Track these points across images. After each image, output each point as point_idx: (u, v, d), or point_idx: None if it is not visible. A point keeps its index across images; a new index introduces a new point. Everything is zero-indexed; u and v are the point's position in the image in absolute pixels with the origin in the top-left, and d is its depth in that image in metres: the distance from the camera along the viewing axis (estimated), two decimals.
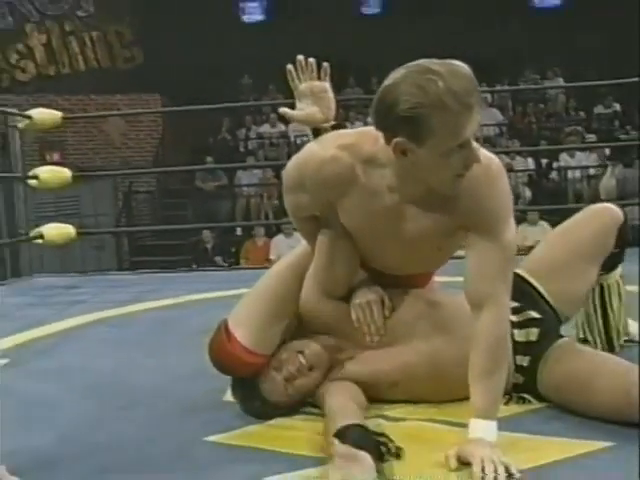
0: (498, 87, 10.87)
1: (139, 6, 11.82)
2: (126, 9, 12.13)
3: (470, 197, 1.68)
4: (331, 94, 2.03)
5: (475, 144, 1.59)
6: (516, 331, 1.91)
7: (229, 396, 2.04)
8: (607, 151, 8.99)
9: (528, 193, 9.54)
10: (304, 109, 2.00)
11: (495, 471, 1.49)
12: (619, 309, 2.25)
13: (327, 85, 2.03)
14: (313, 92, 2.01)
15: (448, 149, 1.56)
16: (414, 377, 1.89)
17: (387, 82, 1.57)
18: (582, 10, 12.20)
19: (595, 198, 6.25)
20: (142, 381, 2.36)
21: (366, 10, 13.93)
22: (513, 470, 1.50)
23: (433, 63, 1.54)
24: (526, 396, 1.91)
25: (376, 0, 13.89)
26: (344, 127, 2.04)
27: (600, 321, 2.25)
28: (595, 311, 2.25)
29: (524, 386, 1.91)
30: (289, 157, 8.07)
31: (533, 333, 1.93)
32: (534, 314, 1.96)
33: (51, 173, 4.65)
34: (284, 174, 1.90)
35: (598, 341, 2.26)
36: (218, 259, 9.68)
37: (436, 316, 1.93)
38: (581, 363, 1.83)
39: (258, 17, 13.74)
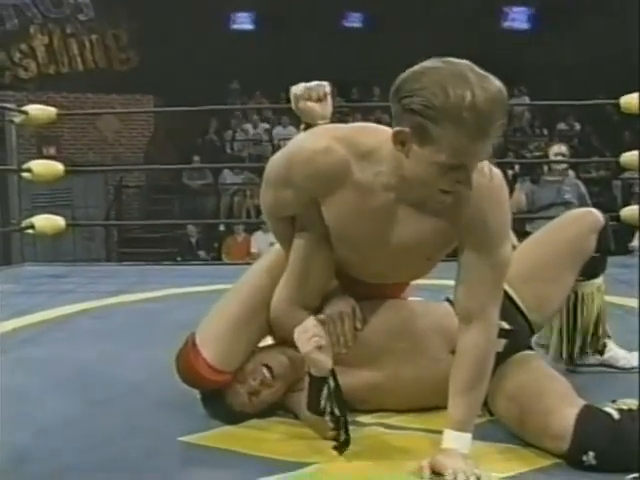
0: None
1: (137, 12, 11.71)
2: (124, 15, 12.04)
3: (473, 209, 1.49)
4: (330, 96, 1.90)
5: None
6: None
7: None
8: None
9: None
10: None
11: None
12: (588, 321, 2.04)
13: (327, 87, 1.88)
14: (311, 96, 1.85)
15: (443, 164, 1.37)
16: (382, 393, 1.77)
17: (419, 66, 1.37)
18: (550, 28, 12.22)
19: None
20: (122, 375, 2.24)
21: (348, 24, 13.85)
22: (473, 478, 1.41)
23: (472, 70, 1.33)
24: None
25: (358, 15, 13.81)
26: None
27: (565, 330, 2.04)
28: (564, 319, 2.04)
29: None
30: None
31: (500, 343, 1.72)
32: (504, 325, 1.78)
33: (44, 166, 4.55)
34: (268, 167, 1.63)
35: (552, 350, 2.06)
36: (202, 253, 9.58)
37: (406, 332, 1.78)
38: (521, 384, 1.67)
39: (247, 26, 13.66)
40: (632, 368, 2.16)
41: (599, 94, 6.98)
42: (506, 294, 1.78)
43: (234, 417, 1.77)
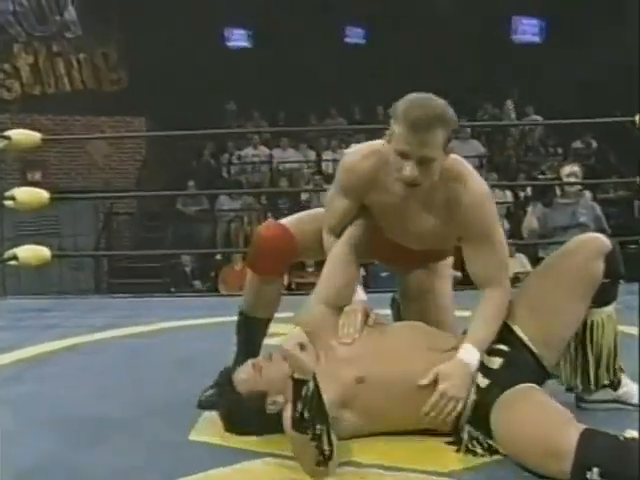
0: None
1: (126, 29, 11.80)
2: (114, 32, 12.10)
3: (463, 211, 2.01)
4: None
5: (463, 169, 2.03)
6: (485, 356, 1.98)
7: (196, 435, 1.98)
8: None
9: (506, 225, 9.54)
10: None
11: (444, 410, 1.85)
12: (600, 351, 2.08)
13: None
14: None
15: (395, 151, 1.92)
16: (366, 391, 1.92)
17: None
18: (561, 44, 12.33)
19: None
20: (107, 414, 2.27)
21: (349, 40, 14.00)
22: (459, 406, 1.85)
23: (423, 94, 1.96)
24: (478, 449, 1.87)
25: (359, 31, 13.97)
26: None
27: (575, 360, 2.09)
28: (574, 348, 2.08)
29: (478, 410, 1.90)
30: (271, 182, 8.08)
31: (496, 362, 1.97)
32: (502, 347, 1.99)
33: (28, 194, 4.57)
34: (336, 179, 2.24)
35: (564, 381, 2.12)
36: (197, 283, 9.59)
37: (404, 344, 2.03)
38: (522, 413, 1.80)
39: (243, 44, 13.77)
40: None
41: (616, 110, 7.00)
42: (509, 328, 2.00)
43: (241, 407, 1.94)
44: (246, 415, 1.96)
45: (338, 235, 2.22)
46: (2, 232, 4.79)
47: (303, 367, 1.73)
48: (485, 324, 2.00)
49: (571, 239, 2.07)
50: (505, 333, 2.01)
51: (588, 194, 8.58)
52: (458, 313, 2.35)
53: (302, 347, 1.76)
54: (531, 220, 5.76)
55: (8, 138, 4.59)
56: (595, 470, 1.58)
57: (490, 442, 1.85)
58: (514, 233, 9.24)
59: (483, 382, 1.93)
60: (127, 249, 10.89)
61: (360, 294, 2.18)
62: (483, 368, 1.96)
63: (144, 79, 11.39)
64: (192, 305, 4.98)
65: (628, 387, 2.18)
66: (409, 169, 1.91)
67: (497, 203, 8.85)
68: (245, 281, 2.40)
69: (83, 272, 10.62)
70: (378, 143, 2.10)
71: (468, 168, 2.07)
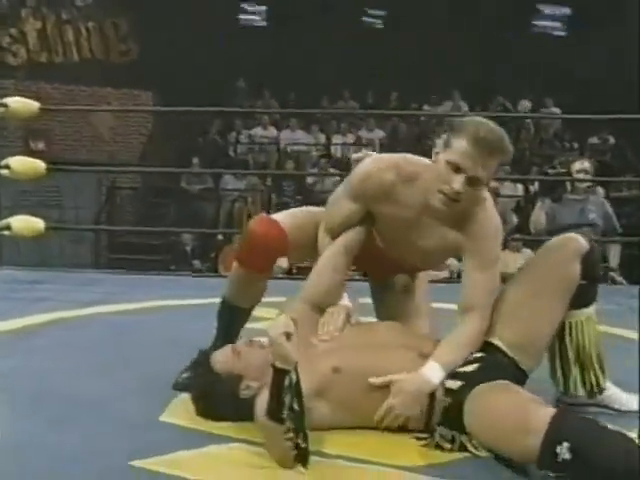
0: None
1: (139, 1, 11.74)
2: (125, 2, 12.00)
3: (472, 231, 2.07)
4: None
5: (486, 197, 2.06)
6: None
7: (167, 416, 1.99)
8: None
9: (514, 219, 9.49)
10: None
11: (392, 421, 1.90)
12: (579, 353, 2.10)
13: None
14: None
15: (449, 163, 1.96)
16: (340, 382, 1.95)
17: None
18: (582, 39, 12.26)
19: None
20: (82, 392, 2.29)
21: (367, 21, 13.95)
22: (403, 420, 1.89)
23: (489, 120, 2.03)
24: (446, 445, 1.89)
25: (377, 13, 13.90)
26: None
27: (556, 362, 2.12)
28: (553, 351, 2.12)
29: (450, 412, 1.92)
30: (278, 163, 8.07)
31: (470, 367, 1.98)
32: (477, 354, 2.02)
33: (23, 163, 4.57)
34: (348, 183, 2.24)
35: (561, 383, 2.13)
36: (196, 262, 9.59)
37: (379, 341, 2.07)
38: (496, 400, 1.83)
39: (259, 22, 13.72)
40: (629, 411, 2.15)
41: (635, 106, 6.93)
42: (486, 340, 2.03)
43: (216, 385, 1.97)
44: (219, 398, 1.98)
45: (335, 237, 2.23)
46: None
47: (287, 356, 1.74)
48: (457, 348, 2.03)
49: (549, 241, 2.12)
50: (482, 343, 2.05)
51: (601, 191, 8.53)
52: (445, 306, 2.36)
53: (288, 336, 1.77)
54: (539, 215, 5.72)
55: (5, 105, 4.57)
56: (565, 445, 1.56)
57: (461, 438, 1.87)
58: (522, 227, 9.21)
59: (455, 384, 1.95)
60: (129, 224, 10.83)
61: (345, 300, 2.21)
62: (455, 373, 1.98)
63: (154, 52, 11.33)
64: (189, 284, 4.99)
65: (611, 391, 2.19)
66: (459, 183, 1.96)
67: (507, 196, 8.88)
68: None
69: (83, 245, 10.61)
70: (399, 156, 2.18)
71: (487, 194, 2.12)
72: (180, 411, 2.10)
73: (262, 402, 1.77)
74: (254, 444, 1.85)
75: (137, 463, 1.73)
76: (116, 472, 1.70)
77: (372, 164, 2.19)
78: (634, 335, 2.95)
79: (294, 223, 2.33)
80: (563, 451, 1.55)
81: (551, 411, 1.67)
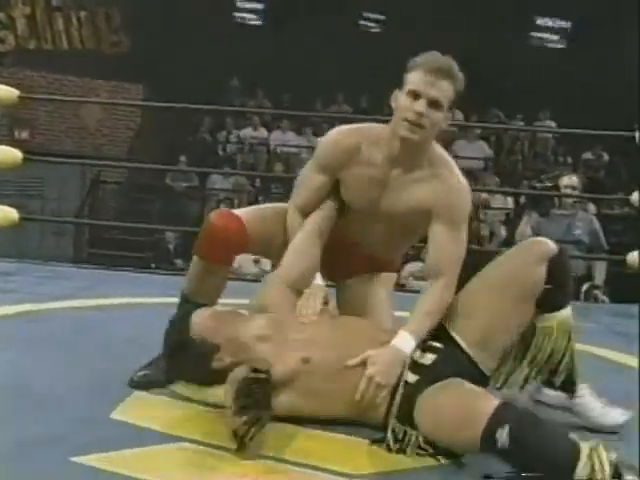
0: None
1: None
2: None
3: (445, 195, 2.17)
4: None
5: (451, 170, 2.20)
6: (417, 352, 2.06)
7: (118, 413, 1.99)
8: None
9: (503, 232, 9.51)
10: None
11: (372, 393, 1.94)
12: (536, 354, 2.10)
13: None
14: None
15: (407, 92, 2.12)
16: (308, 373, 2.00)
17: None
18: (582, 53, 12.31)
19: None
20: (35, 385, 2.27)
21: (365, 25, 13.97)
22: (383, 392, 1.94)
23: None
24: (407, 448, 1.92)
25: (376, 17, 13.93)
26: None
27: (510, 359, 2.12)
28: (511, 350, 2.11)
29: (404, 405, 1.96)
30: (267, 165, 8.10)
31: (428, 358, 2.03)
32: (436, 344, 2.06)
33: (1, 152, 4.53)
34: (314, 157, 2.34)
35: (501, 379, 2.12)
36: (179, 261, 9.56)
37: (346, 333, 2.11)
38: (445, 397, 1.89)
39: (254, 21, 13.74)
40: (602, 426, 2.15)
41: (634, 122, 6.92)
42: (445, 330, 2.08)
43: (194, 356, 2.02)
44: (191, 358, 2.03)
45: (306, 214, 2.31)
46: None
47: (260, 362, 1.84)
48: (425, 315, 2.11)
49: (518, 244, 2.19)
50: (441, 332, 2.09)
51: (592, 207, 8.55)
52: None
53: (262, 338, 1.86)
54: (524, 229, 5.73)
55: None
56: (506, 428, 1.65)
57: (413, 434, 1.91)
58: (511, 241, 9.21)
59: (412, 378, 1.99)
60: (111, 219, 10.82)
61: (318, 279, 2.26)
62: (414, 365, 2.03)
63: (146, 45, 11.35)
64: (167, 283, 4.94)
65: (585, 399, 2.19)
66: (420, 106, 2.10)
67: (497, 209, 8.92)
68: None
69: (63, 238, 10.57)
70: (361, 124, 2.33)
71: (454, 162, 2.26)
72: (133, 409, 2.09)
73: (233, 380, 1.84)
74: (204, 444, 1.85)
75: (78, 459, 1.72)
76: (56, 469, 1.68)
77: (335, 133, 2.32)
78: (606, 353, 2.96)
79: (257, 217, 2.38)
80: (503, 437, 1.65)
81: (497, 402, 1.76)
